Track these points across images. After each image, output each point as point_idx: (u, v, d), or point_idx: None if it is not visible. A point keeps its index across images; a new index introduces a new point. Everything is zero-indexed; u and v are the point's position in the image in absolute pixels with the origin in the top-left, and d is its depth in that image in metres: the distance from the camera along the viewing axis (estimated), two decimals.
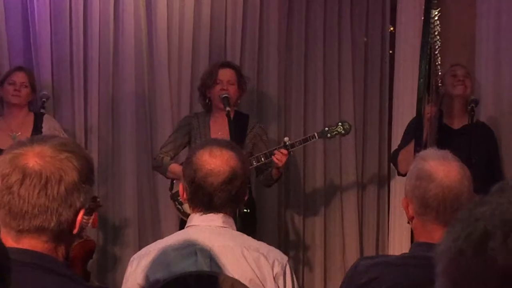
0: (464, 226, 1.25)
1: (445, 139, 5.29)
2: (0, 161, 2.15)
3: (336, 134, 5.69)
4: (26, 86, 5.71)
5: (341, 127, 5.69)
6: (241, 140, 5.52)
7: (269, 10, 6.63)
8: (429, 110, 5.18)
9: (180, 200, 4.53)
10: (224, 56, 6.43)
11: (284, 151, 5.41)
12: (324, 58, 6.75)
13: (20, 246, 2.12)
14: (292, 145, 5.49)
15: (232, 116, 5.39)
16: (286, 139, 5.53)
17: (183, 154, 5.74)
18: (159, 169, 5.77)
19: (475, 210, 1.26)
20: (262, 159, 5.51)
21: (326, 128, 5.71)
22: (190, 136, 5.73)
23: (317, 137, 5.65)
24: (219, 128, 5.59)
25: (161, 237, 5.88)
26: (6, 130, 5.69)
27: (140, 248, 5.96)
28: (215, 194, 3.00)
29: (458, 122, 5.65)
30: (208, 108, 5.72)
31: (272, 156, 5.42)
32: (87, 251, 5.67)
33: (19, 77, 5.70)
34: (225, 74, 5.59)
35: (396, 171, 5.99)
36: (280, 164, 5.43)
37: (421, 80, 5.00)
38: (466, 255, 1.22)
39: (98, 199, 5.64)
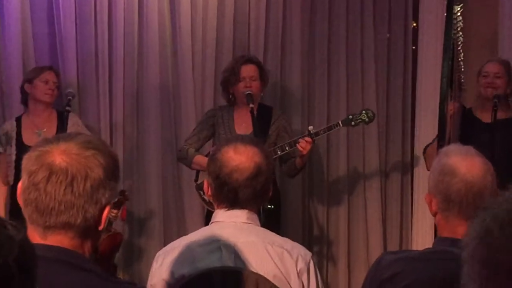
0: (490, 210, 1.29)
1: (476, 133, 5.27)
2: (27, 158, 2.16)
3: (360, 122, 5.71)
4: (57, 87, 5.74)
5: (365, 115, 5.70)
6: (265, 132, 5.56)
7: (292, 4, 6.63)
8: (451, 107, 5.16)
9: None
10: (247, 51, 6.42)
11: (309, 139, 5.44)
12: (347, 53, 6.74)
13: (47, 242, 2.13)
14: (317, 133, 5.52)
15: (255, 109, 5.43)
16: (310, 127, 5.55)
17: (207, 146, 5.79)
18: (184, 160, 5.80)
19: (499, 198, 1.33)
20: (287, 148, 5.54)
21: (350, 116, 5.73)
22: (214, 128, 5.76)
23: (341, 125, 5.67)
24: (243, 120, 5.64)
25: (185, 229, 5.99)
26: (31, 127, 5.72)
27: (164, 239, 6.07)
28: (240, 190, 3.00)
29: (488, 117, 5.58)
30: (232, 102, 5.75)
31: (297, 144, 5.44)
32: (115, 244, 5.70)
33: (52, 77, 5.72)
34: (248, 71, 5.61)
35: (419, 163, 6.02)
36: (304, 152, 5.45)
37: (444, 79, 4.98)
38: (493, 232, 1.28)
39: (126, 193, 5.68)
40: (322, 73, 6.72)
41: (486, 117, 5.58)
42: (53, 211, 2.10)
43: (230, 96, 5.71)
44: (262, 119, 5.56)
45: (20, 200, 2.18)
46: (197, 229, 3.25)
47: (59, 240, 2.13)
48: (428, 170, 5.60)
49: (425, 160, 5.70)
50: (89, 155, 2.13)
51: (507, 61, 5.65)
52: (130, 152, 6.39)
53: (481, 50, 6.26)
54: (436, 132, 5.32)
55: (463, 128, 5.39)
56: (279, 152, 5.55)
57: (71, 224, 2.12)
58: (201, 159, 5.53)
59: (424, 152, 5.88)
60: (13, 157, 5.65)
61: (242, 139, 3.13)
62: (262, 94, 5.77)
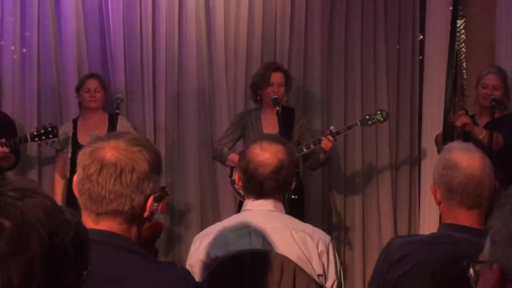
0: None
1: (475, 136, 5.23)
2: (81, 154, 2.18)
3: (376, 121, 5.73)
4: (99, 91, 5.74)
5: (380, 115, 5.74)
6: (289, 131, 5.57)
7: (313, 19, 6.61)
8: (464, 118, 5.17)
9: None
10: (274, 60, 6.42)
11: (330, 137, 5.46)
12: (361, 62, 6.72)
13: (98, 227, 2.15)
14: (337, 132, 5.55)
15: (280, 110, 5.43)
16: (332, 127, 5.59)
17: (239, 145, 5.80)
18: (219, 158, 5.82)
19: None
20: (311, 145, 5.56)
21: (367, 116, 5.77)
22: (244, 129, 5.77)
23: (359, 124, 5.72)
24: (269, 121, 5.65)
25: (220, 219, 5.96)
26: (85, 129, 5.75)
27: (201, 228, 6.04)
28: (265, 183, 3.01)
29: (486, 121, 5.52)
30: (259, 104, 5.76)
31: (321, 142, 5.46)
32: (156, 232, 5.73)
33: (93, 84, 5.72)
34: (277, 77, 5.61)
35: (426, 157, 6.04)
36: (327, 149, 5.47)
37: (448, 95, 4.96)
38: None
39: (166, 189, 5.69)
40: (339, 79, 6.70)
41: (484, 122, 5.53)
42: (104, 200, 2.12)
43: (258, 97, 5.73)
44: (286, 120, 5.56)
45: (75, 190, 2.20)
46: None
47: (109, 225, 2.15)
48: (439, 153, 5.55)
49: (436, 145, 5.69)
50: (135, 151, 2.15)
51: (504, 72, 5.58)
52: (171, 150, 6.41)
53: (481, 58, 6.21)
54: (440, 129, 5.32)
55: (465, 132, 5.34)
56: (304, 150, 5.58)
57: (119, 211, 2.14)
58: (234, 157, 5.54)
59: (435, 140, 5.85)
60: (69, 155, 5.70)
61: (269, 138, 3.13)
62: (285, 97, 5.79)
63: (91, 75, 5.82)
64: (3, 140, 5.24)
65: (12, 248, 1.27)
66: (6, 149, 5.22)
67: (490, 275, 1.24)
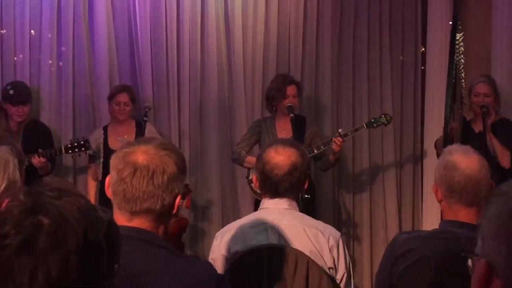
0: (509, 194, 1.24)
1: (470, 140, 5.21)
2: (114, 158, 2.20)
3: (380, 124, 5.76)
4: (128, 105, 5.72)
5: (384, 118, 5.77)
6: (301, 137, 5.57)
7: (324, 33, 6.61)
8: (454, 125, 5.13)
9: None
10: (288, 71, 6.42)
11: (339, 139, 5.45)
12: (368, 72, 6.71)
13: (131, 224, 2.16)
14: (345, 134, 5.57)
15: (293, 117, 5.45)
16: (340, 130, 5.60)
17: (255, 150, 5.81)
18: (237, 160, 5.84)
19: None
20: (321, 147, 5.57)
21: (372, 120, 5.80)
22: (260, 134, 5.78)
23: (365, 127, 5.75)
24: (283, 128, 5.65)
25: (239, 215, 6.00)
26: (115, 135, 5.77)
27: (223, 225, 6.07)
28: (279, 183, 3.01)
29: (480, 125, 5.50)
30: (274, 113, 5.77)
31: (331, 143, 5.48)
32: (182, 227, 5.74)
33: (123, 98, 5.71)
34: (292, 90, 5.63)
35: (428, 158, 6.13)
36: (336, 150, 5.46)
37: (448, 103, 4.95)
38: None
39: (189, 186, 5.70)
40: (348, 88, 6.69)
41: (478, 127, 5.50)
42: (137, 200, 2.14)
43: (273, 108, 5.74)
44: (298, 126, 5.57)
45: (108, 191, 2.21)
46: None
47: (141, 222, 2.16)
48: (438, 156, 5.53)
49: (436, 149, 5.68)
50: (163, 154, 2.17)
51: (493, 80, 5.57)
52: (195, 154, 6.42)
53: (477, 67, 6.18)
54: (440, 133, 5.30)
55: (463, 137, 5.32)
56: (315, 151, 5.58)
57: (152, 209, 2.15)
58: (251, 159, 5.54)
59: (435, 144, 5.84)
60: (101, 159, 5.73)
61: (283, 142, 3.15)
62: (297, 106, 5.81)
63: (123, 89, 5.79)
64: (41, 151, 5.32)
65: (51, 243, 1.27)
66: (43, 159, 5.32)
67: (480, 268, 1.25)
